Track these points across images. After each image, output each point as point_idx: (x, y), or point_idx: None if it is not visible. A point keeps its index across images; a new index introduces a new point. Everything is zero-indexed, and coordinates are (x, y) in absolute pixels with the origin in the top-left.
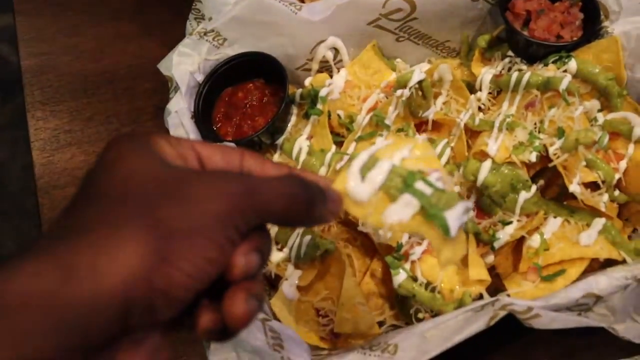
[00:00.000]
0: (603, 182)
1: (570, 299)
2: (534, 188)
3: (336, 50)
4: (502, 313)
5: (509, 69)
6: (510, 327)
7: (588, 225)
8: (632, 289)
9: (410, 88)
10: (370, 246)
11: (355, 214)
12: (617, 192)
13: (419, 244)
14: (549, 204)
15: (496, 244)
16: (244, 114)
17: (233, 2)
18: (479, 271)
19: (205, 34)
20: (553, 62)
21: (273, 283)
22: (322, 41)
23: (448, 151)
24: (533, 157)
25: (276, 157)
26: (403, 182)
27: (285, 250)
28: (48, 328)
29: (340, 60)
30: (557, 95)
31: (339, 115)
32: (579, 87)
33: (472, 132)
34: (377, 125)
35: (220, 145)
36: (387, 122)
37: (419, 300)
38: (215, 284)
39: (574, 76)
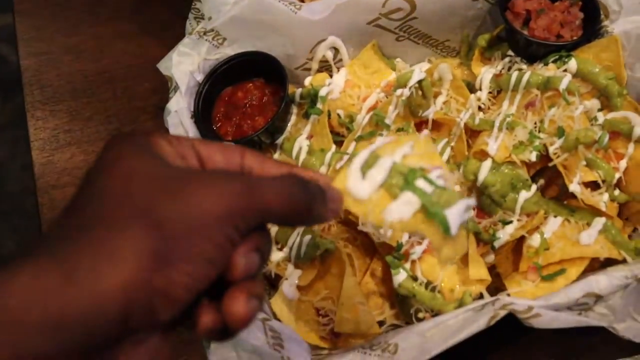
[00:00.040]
0: (603, 181)
1: (570, 299)
2: (534, 187)
3: (336, 50)
4: (503, 313)
5: (509, 69)
6: (510, 326)
7: (588, 224)
8: (632, 288)
9: (410, 87)
10: (371, 246)
11: (356, 212)
12: (617, 192)
13: (419, 243)
14: (549, 204)
15: (496, 244)
16: (244, 113)
17: (232, 1)
18: (479, 271)
19: (204, 33)
20: (553, 62)
21: (273, 283)
22: (322, 40)
23: (448, 151)
24: (533, 156)
25: (276, 157)
26: (404, 179)
27: (285, 249)
28: (48, 329)
29: (340, 60)
30: (557, 94)
31: (338, 114)
32: (579, 86)
33: (472, 132)
34: (377, 124)
35: (221, 144)
36: (387, 121)
37: (419, 299)
38: (215, 283)
39: (574, 75)
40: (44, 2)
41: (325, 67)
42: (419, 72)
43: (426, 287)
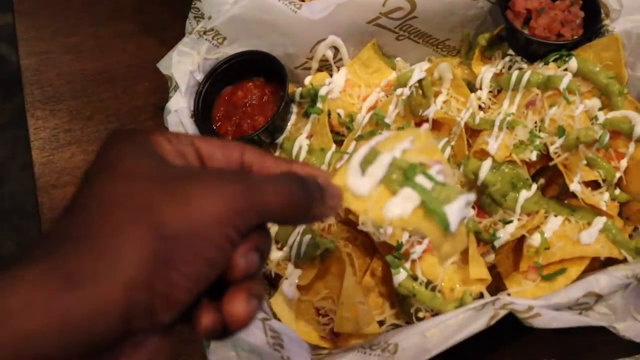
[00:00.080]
0: (604, 180)
1: (570, 298)
2: (534, 187)
3: (336, 49)
4: (503, 312)
5: (510, 68)
6: (510, 326)
7: (589, 224)
8: (632, 287)
9: (410, 87)
10: (371, 245)
11: (356, 209)
12: (617, 191)
13: (419, 243)
14: (549, 203)
15: (497, 243)
16: (244, 113)
17: (232, 1)
18: (479, 270)
19: (204, 33)
20: (553, 61)
21: (273, 282)
22: (322, 40)
23: (448, 150)
24: (533, 155)
25: None
26: (403, 175)
27: (285, 249)
28: (50, 332)
29: (340, 59)
30: (557, 93)
31: (339, 114)
32: (580, 85)
33: (472, 131)
34: (377, 124)
35: (220, 140)
36: (387, 121)
37: (420, 299)
38: (214, 282)
39: (575, 75)
40: (44, 2)
41: (325, 67)
42: (419, 71)
43: (426, 287)
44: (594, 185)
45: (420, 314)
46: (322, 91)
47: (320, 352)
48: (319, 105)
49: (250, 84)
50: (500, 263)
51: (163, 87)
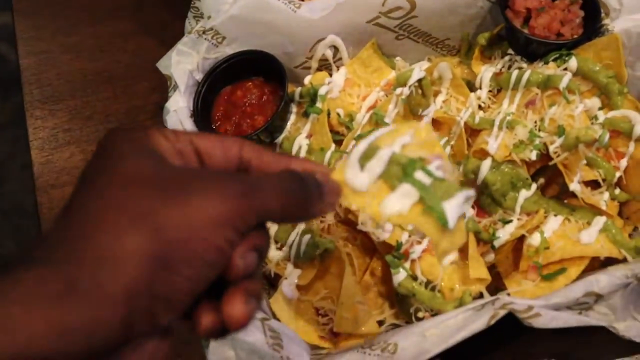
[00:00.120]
0: (603, 180)
1: (570, 298)
2: (534, 186)
3: (335, 49)
4: (502, 312)
5: (509, 67)
6: (510, 326)
7: (589, 223)
8: (632, 287)
9: (410, 86)
10: (370, 245)
11: (354, 204)
12: (617, 191)
13: (419, 242)
14: (549, 203)
15: (496, 243)
16: (243, 112)
17: (232, 0)
18: (479, 270)
19: (204, 32)
20: (553, 60)
21: (272, 282)
22: (322, 39)
23: (448, 149)
24: (533, 155)
25: None
26: (402, 170)
27: (285, 249)
28: (50, 337)
29: (340, 59)
30: (557, 93)
31: (338, 113)
32: (580, 85)
33: (472, 131)
34: (377, 123)
35: (219, 136)
36: (386, 120)
37: (419, 299)
38: (213, 281)
39: (575, 74)
40: (43, 1)
41: (325, 66)
42: (418, 70)
43: (426, 287)
44: (593, 184)
45: (420, 314)
46: (322, 91)
47: (320, 352)
48: (319, 104)
49: (250, 83)
50: (500, 263)
51: (162, 86)
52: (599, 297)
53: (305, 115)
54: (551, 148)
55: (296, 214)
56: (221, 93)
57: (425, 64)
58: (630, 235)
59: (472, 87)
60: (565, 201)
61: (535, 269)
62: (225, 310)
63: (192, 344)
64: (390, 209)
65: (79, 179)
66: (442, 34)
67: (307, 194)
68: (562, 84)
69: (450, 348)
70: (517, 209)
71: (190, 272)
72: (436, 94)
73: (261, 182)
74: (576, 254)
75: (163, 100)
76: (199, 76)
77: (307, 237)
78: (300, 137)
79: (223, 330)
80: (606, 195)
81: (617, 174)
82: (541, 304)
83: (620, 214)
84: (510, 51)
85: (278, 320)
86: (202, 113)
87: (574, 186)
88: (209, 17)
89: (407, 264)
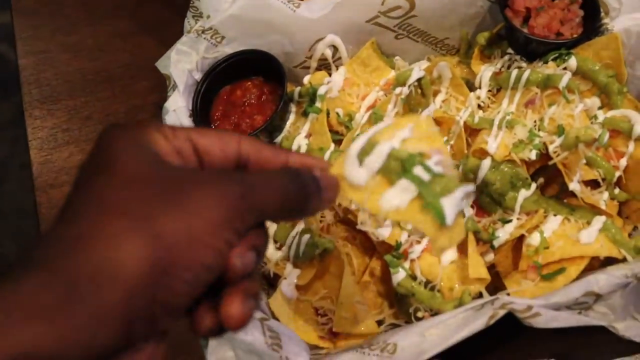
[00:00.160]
0: (603, 179)
1: (570, 298)
2: (533, 186)
3: (335, 48)
4: (502, 312)
5: (509, 67)
6: (509, 325)
7: (588, 223)
8: (632, 287)
9: (409, 86)
10: (369, 245)
11: (353, 199)
12: (617, 190)
13: (418, 242)
14: (548, 202)
15: (496, 243)
16: (243, 112)
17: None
18: (478, 270)
19: (203, 32)
20: (553, 60)
21: (272, 282)
22: (321, 39)
23: (447, 149)
24: (533, 155)
25: None
26: (401, 166)
27: (284, 249)
28: (50, 343)
29: (339, 58)
30: (557, 92)
31: (337, 113)
32: (579, 84)
33: (471, 130)
34: (376, 123)
35: (217, 132)
36: (386, 120)
37: (418, 298)
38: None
39: (574, 73)
40: (42, 1)
41: (324, 66)
42: (418, 70)
43: (425, 286)
44: (593, 184)
45: (419, 314)
46: (321, 90)
47: (319, 352)
48: (318, 104)
49: (249, 83)
50: (500, 262)
51: (161, 86)
52: (598, 297)
53: (305, 114)
54: (551, 147)
55: (294, 212)
56: (220, 93)
57: (424, 64)
58: (629, 235)
59: (471, 86)
60: (565, 201)
61: (534, 268)
62: (223, 310)
63: (192, 344)
64: (389, 204)
65: (76, 178)
66: (442, 34)
67: (305, 192)
68: (562, 84)
69: (450, 348)
70: (517, 209)
71: (190, 276)
72: (435, 93)
73: (259, 182)
74: (576, 254)
75: (162, 99)
76: (198, 76)
77: (306, 236)
78: (299, 137)
79: (221, 328)
80: (606, 194)
81: (617, 174)
82: (541, 303)
83: (619, 213)
84: (509, 50)
85: (277, 320)
86: (201, 113)
87: (574, 186)
88: (208, 17)
89: (407, 264)
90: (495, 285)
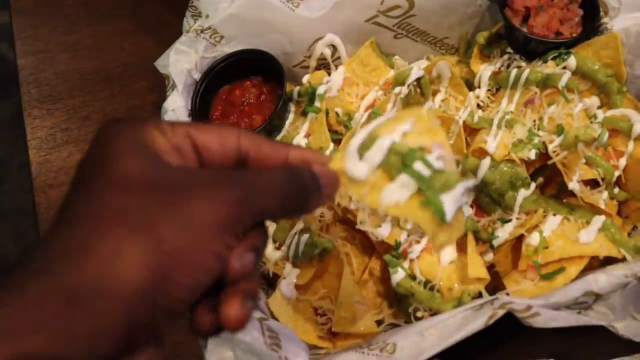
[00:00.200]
0: (603, 179)
1: (569, 297)
2: (533, 186)
3: (334, 48)
4: (501, 312)
5: (508, 66)
6: (509, 325)
7: (588, 222)
8: (632, 286)
9: (408, 85)
10: (369, 244)
11: (352, 193)
12: (616, 190)
13: (418, 242)
14: (548, 202)
15: (495, 242)
16: (242, 111)
17: None
18: (478, 269)
19: (202, 31)
20: (552, 59)
21: (271, 282)
22: (320, 38)
23: (449, 143)
24: (532, 154)
25: None
26: (401, 161)
27: (283, 248)
28: (51, 351)
29: (338, 58)
30: (556, 92)
31: (337, 112)
32: (579, 83)
33: (470, 130)
34: None
35: (216, 127)
36: None
37: (418, 298)
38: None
39: (574, 73)
40: (42, 1)
41: (324, 65)
42: (417, 69)
43: (425, 286)
44: (592, 183)
45: (419, 314)
46: (320, 90)
47: (318, 352)
48: (317, 104)
49: (248, 82)
50: (499, 262)
51: (160, 85)
52: (598, 297)
53: (304, 114)
54: (550, 147)
55: (294, 211)
56: (219, 92)
57: (424, 63)
58: (629, 234)
59: (470, 86)
60: (564, 200)
61: (534, 268)
62: (222, 311)
63: (191, 345)
64: (389, 199)
65: (74, 177)
66: (441, 33)
67: (304, 190)
68: (561, 83)
69: (449, 348)
70: (516, 208)
71: (190, 281)
72: (435, 92)
73: (259, 183)
74: (575, 253)
75: (161, 99)
76: (197, 75)
77: (306, 236)
78: (298, 137)
79: (220, 328)
80: (605, 194)
81: (616, 173)
82: (540, 303)
83: (619, 212)
84: (509, 50)
85: (276, 319)
86: (200, 112)
87: (573, 185)
88: (207, 16)
89: (406, 264)
90: (495, 285)
